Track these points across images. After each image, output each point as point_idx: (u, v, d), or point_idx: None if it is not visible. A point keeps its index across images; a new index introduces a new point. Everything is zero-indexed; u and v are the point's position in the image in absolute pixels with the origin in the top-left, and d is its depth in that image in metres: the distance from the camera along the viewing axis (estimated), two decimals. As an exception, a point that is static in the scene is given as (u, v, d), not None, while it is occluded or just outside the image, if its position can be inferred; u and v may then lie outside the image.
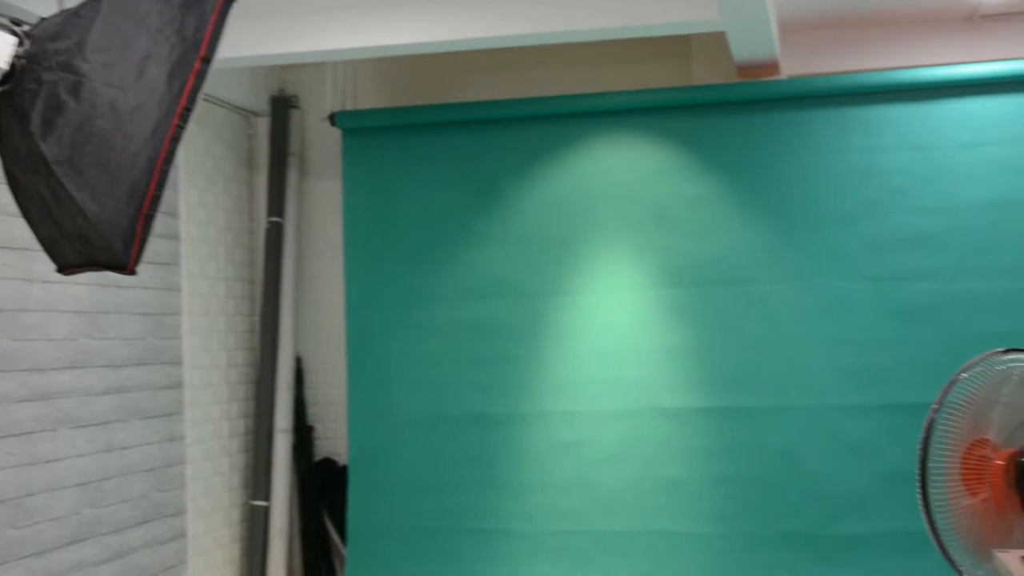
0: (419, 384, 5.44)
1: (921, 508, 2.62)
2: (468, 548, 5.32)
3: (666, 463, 5.18)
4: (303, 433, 5.85)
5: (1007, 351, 2.64)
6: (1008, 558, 2.26)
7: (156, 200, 2.73)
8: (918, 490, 2.64)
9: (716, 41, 5.29)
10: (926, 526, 2.63)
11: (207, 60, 2.74)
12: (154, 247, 4.95)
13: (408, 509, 5.41)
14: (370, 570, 5.44)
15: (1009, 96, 5.06)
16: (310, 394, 5.95)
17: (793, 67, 5.55)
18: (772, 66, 5.29)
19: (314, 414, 5.95)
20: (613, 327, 5.27)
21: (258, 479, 5.67)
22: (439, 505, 5.37)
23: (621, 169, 5.34)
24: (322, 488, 5.83)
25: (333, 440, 5.90)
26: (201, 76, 2.75)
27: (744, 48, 4.95)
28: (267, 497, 5.65)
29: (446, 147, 5.50)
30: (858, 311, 5.10)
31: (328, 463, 5.88)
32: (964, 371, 2.66)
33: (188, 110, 2.73)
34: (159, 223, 5.01)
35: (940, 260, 5.04)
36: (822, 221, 5.16)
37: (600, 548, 5.20)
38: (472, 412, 5.38)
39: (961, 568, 2.59)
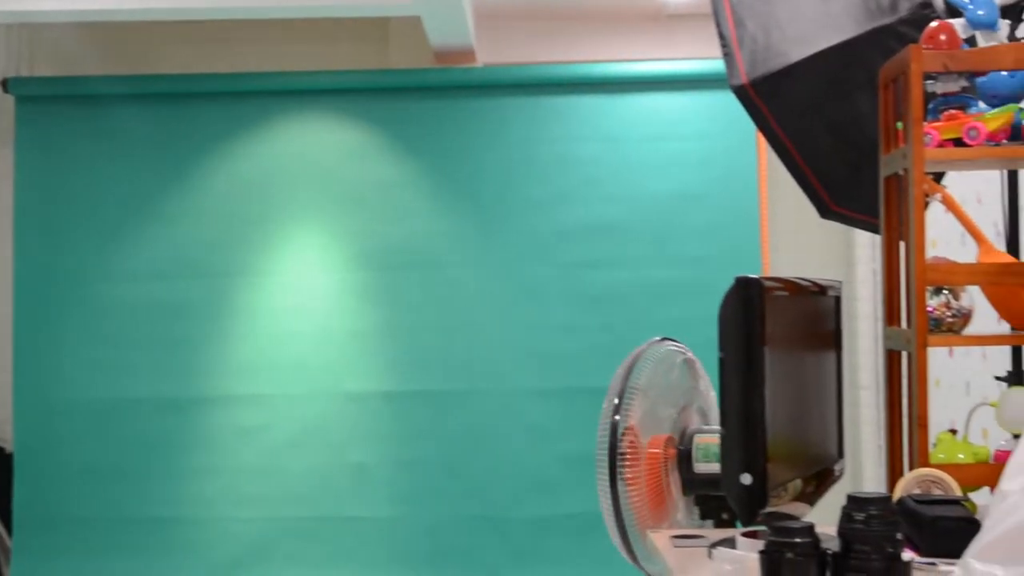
0: (95, 367, 5.19)
1: (606, 495, 2.66)
2: (145, 537, 5.12)
3: (352, 447, 5.14)
4: (-34, 419, 5.48)
5: (663, 340, 2.73)
6: (658, 537, 2.34)
7: None
8: (604, 478, 2.68)
9: (413, 25, 5.28)
10: (610, 514, 2.67)
11: None
12: None
13: (81, 498, 5.15)
14: (40, 563, 5.15)
15: (691, 93, 5.27)
16: (-27, 377, 5.57)
17: (489, 55, 5.61)
18: (468, 53, 5.33)
19: (-22, 398, 5.57)
20: (302, 309, 5.19)
21: (-89, 469, 5.28)
22: (115, 493, 5.15)
23: (314, 150, 5.26)
24: (-15, 478, 5.47)
25: (-2, 426, 5.54)
26: None
27: (440, 34, 4.96)
28: (-79, 489, 5.27)
29: (132, 120, 5.27)
30: (547, 297, 5.21)
31: (-6, 451, 5.53)
32: (632, 358, 2.73)
33: None
34: None
35: (626, 249, 5.22)
36: (515, 208, 5.24)
37: (283, 534, 5.11)
38: (152, 396, 5.18)
39: (637, 553, 2.66)
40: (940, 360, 4.87)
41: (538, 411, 5.16)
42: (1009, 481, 1.68)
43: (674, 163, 5.26)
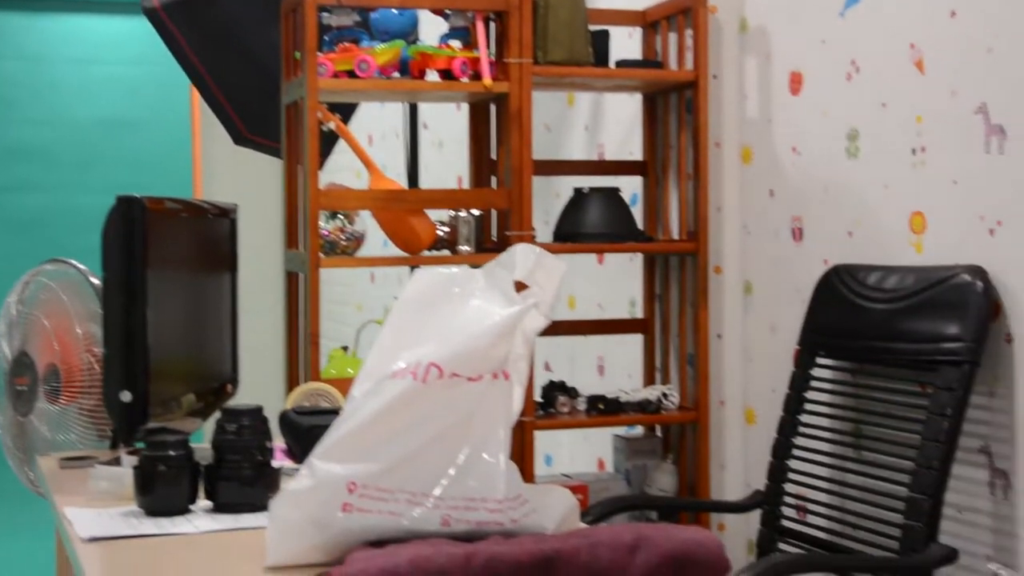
0: None
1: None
2: None
3: None
4: None
5: (52, 261, 2.68)
6: (46, 461, 2.32)
7: None
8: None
9: None
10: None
11: None
12: None
13: None
14: None
15: (121, 17, 5.16)
16: None
17: None
18: None
19: None
20: None
21: None
22: None
23: None
24: None
25: None
26: None
27: None
28: None
29: None
30: (-40, 222, 4.95)
31: None
32: (28, 279, 2.66)
33: None
34: None
35: (49, 174, 5.09)
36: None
37: None
38: None
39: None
40: (364, 286, 5.12)
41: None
42: (357, 387, 1.81)
43: (103, 88, 5.18)
